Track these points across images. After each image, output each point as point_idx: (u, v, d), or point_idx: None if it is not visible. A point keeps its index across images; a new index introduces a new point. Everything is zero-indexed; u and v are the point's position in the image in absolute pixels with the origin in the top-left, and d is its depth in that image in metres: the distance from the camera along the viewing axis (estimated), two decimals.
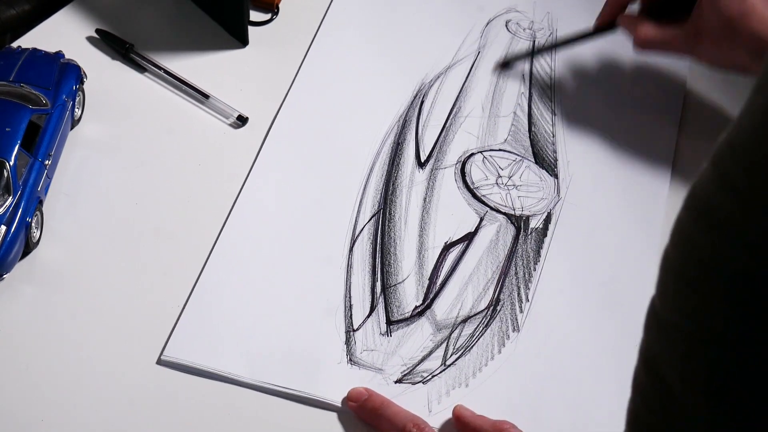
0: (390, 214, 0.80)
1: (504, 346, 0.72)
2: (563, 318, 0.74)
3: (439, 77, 0.90)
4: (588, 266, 0.77)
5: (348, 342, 0.72)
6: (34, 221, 0.74)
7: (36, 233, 0.75)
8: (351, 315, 0.73)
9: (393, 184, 0.82)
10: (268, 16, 0.94)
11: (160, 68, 0.88)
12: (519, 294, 0.75)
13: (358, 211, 0.80)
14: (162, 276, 0.75)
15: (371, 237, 0.78)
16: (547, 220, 0.80)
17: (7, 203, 0.72)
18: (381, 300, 0.74)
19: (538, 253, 0.78)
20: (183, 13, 0.94)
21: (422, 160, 0.84)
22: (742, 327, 0.42)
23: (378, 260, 0.77)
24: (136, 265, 0.76)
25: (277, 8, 0.95)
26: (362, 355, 0.71)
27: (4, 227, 0.71)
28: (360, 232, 0.78)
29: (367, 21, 0.94)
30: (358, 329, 0.73)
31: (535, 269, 0.77)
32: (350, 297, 0.74)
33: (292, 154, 0.83)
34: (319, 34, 0.93)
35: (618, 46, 0.93)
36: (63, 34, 0.90)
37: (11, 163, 0.73)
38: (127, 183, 0.80)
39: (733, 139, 0.42)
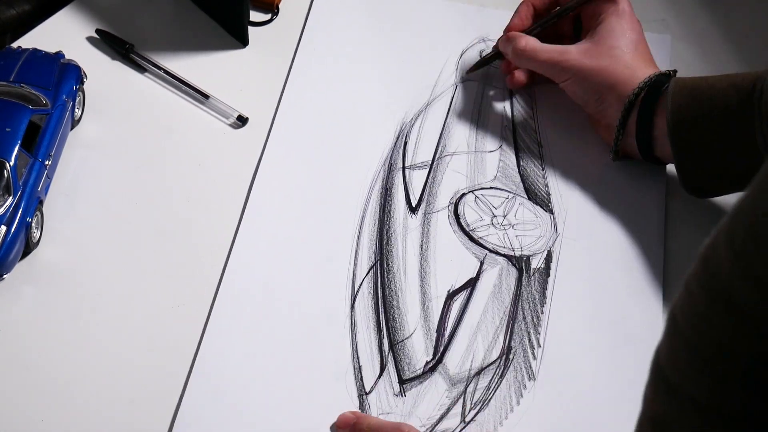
0: (388, 265, 0.77)
1: (522, 396, 0.71)
2: (578, 361, 0.73)
3: (419, 115, 0.88)
4: (596, 304, 0.76)
5: (362, 407, 0.70)
6: (34, 221, 0.74)
7: (36, 233, 0.75)
8: (361, 377, 0.71)
9: (387, 233, 0.79)
10: (268, 16, 0.94)
11: (160, 68, 0.88)
12: (530, 340, 0.73)
13: (355, 264, 0.77)
14: (162, 275, 0.75)
15: (371, 291, 0.76)
16: (548, 259, 0.78)
17: (7, 203, 0.72)
18: (390, 358, 0.72)
19: (543, 295, 0.76)
20: (183, 13, 0.94)
21: (413, 205, 0.81)
22: (761, 407, 0.42)
23: (382, 315, 0.74)
24: (136, 264, 0.76)
25: (277, 8, 0.94)
26: None
27: (4, 227, 0.72)
28: (359, 287, 0.76)
29: (336, 61, 0.92)
30: (370, 392, 0.70)
31: (542, 312, 0.75)
32: (358, 358, 0.72)
33: (278, 210, 0.80)
34: (291, 77, 0.89)
35: None
36: (63, 34, 0.90)
37: (11, 164, 0.73)
38: (127, 183, 0.81)
39: (756, 227, 0.41)
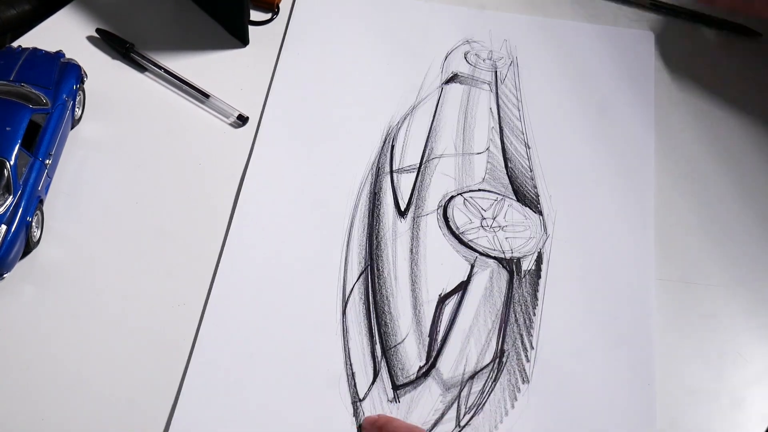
0: (378, 270, 0.77)
1: (516, 399, 0.70)
2: (571, 362, 0.73)
3: (406, 118, 0.87)
4: (588, 305, 0.76)
5: (356, 414, 0.69)
6: (34, 221, 0.74)
7: (36, 233, 0.75)
8: (355, 384, 0.71)
9: (376, 238, 0.79)
10: (268, 16, 0.94)
11: (160, 68, 0.88)
12: (523, 342, 0.73)
13: (345, 270, 0.77)
14: (162, 275, 0.75)
15: (362, 297, 0.75)
16: (539, 260, 0.78)
17: (8, 203, 0.72)
18: (383, 364, 0.72)
19: (535, 297, 0.76)
20: (183, 13, 0.94)
21: (402, 209, 0.81)
22: None
23: (373, 321, 0.74)
24: (136, 264, 0.76)
25: (277, 8, 0.94)
26: None
27: (4, 227, 0.72)
28: (350, 293, 0.75)
29: (320, 64, 0.91)
30: (364, 399, 0.70)
31: (534, 314, 0.75)
32: (351, 364, 0.71)
33: (267, 216, 0.79)
34: (275, 79, 0.89)
35: (586, 72, 0.92)
36: (63, 34, 0.90)
37: (11, 163, 0.73)
38: (127, 183, 0.81)
39: None
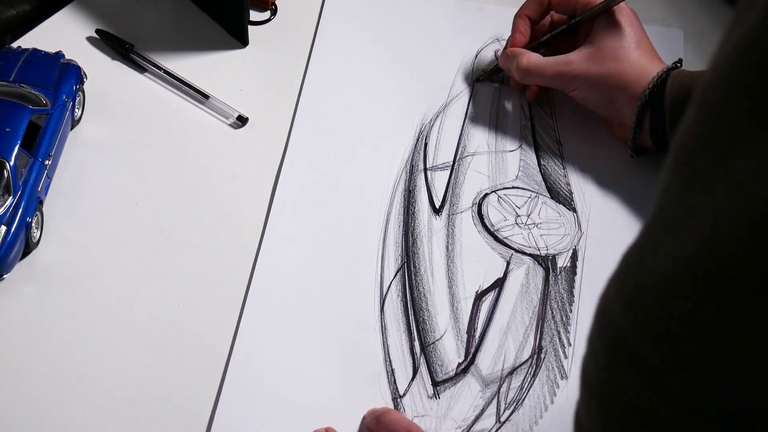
0: (415, 267, 0.77)
1: (555, 395, 0.71)
2: None
3: (438, 116, 0.88)
4: None
5: (397, 410, 0.69)
6: (34, 221, 0.74)
7: (36, 233, 0.75)
8: (395, 380, 0.71)
9: (412, 235, 0.79)
10: (266, 15, 0.94)
11: (160, 68, 0.88)
12: (560, 338, 0.74)
13: (382, 267, 0.77)
14: (162, 275, 0.75)
15: (400, 294, 0.76)
16: (574, 257, 0.78)
17: (8, 203, 0.72)
18: (422, 360, 0.72)
19: (571, 293, 0.76)
20: (183, 13, 0.94)
21: (437, 207, 0.81)
22: None
23: (411, 318, 0.74)
24: (135, 264, 0.76)
25: (274, 5, 0.94)
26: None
27: (4, 227, 0.72)
28: (388, 290, 0.76)
29: (352, 63, 0.92)
30: (404, 395, 0.70)
31: (571, 311, 0.75)
32: (390, 361, 0.72)
33: (302, 215, 0.80)
34: (307, 81, 0.89)
35: None
36: (63, 34, 0.90)
37: (11, 163, 0.73)
38: (127, 183, 0.81)
39: (645, 284, 0.40)
